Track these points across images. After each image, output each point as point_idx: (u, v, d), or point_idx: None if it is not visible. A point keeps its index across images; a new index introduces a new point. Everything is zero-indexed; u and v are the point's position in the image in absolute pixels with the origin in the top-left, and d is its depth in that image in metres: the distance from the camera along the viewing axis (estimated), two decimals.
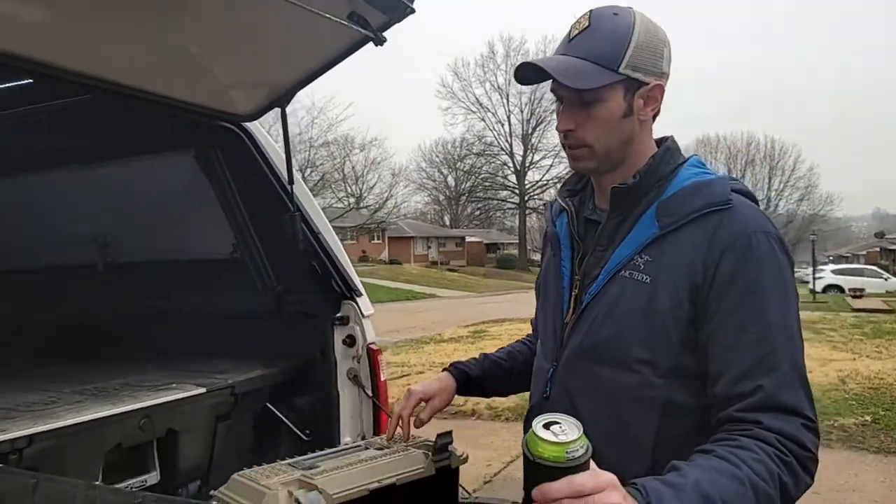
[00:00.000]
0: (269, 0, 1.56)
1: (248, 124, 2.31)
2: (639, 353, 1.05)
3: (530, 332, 1.52)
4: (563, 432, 0.77)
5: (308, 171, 28.86)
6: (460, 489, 1.59)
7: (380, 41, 1.90)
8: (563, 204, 1.24)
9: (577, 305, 1.15)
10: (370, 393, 2.20)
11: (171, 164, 2.54)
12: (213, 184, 2.42)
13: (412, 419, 1.33)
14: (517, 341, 1.53)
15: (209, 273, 2.57)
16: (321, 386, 2.21)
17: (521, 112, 41.91)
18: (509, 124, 42.30)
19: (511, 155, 42.91)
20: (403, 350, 9.65)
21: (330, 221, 2.45)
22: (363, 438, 1.76)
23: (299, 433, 2.11)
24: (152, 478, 1.75)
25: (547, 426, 0.78)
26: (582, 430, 0.78)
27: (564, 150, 1.18)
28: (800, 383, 0.98)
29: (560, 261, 1.22)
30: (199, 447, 1.87)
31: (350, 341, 2.23)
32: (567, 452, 0.76)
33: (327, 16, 1.73)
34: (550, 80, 1.12)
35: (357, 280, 2.32)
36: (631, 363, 1.06)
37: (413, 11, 1.88)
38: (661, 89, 1.13)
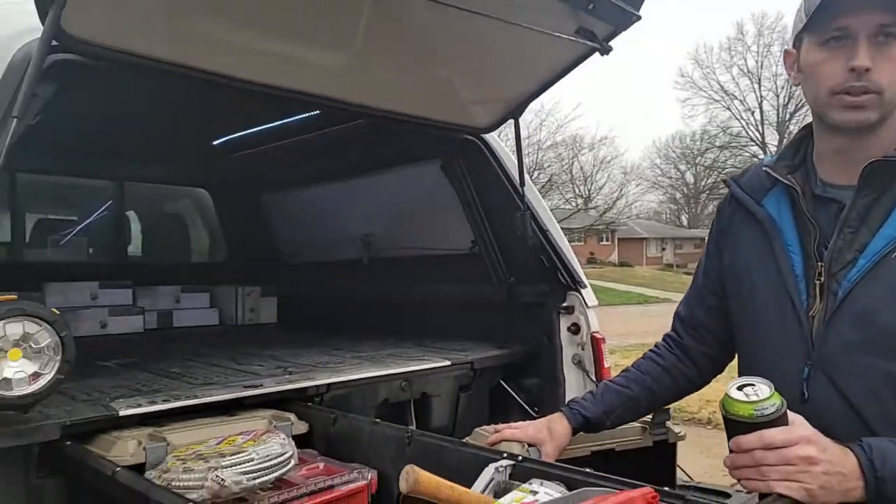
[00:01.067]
0: (506, 26, 1.79)
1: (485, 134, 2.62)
2: None
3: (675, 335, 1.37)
4: (754, 393, 0.88)
5: (536, 173, 29.16)
6: (679, 471, 1.68)
7: (605, 51, 1.99)
8: (786, 181, 1.13)
9: (829, 295, 1.04)
10: (594, 378, 2.35)
11: (421, 173, 2.96)
12: (455, 188, 2.77)
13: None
14: (642, 358, 1.41)
15: (451, 266, 2.93)
16: (548, 369, 2.42)
17: (776, 97, 36.24)
18: (761, 111, 36.91)
19: (763, 146, 37.69)
20: (633, 353, 9.41)
21: (557, 223, 2.65)
22: None
23: (529, 409, 2.35)
24: None
25: (740, 388, 0.89)
26: (773, 390, 0.87)
27: (833, 99, 1.06)
28: None
29: (784, 245, 1.12)
30: (445, 411, 2.20)
31: (575, 329, 2.41)
32: (756, 410, 0.86)
33: (557, 34, 1.91)
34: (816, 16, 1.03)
35: (581, 272, 2.48)
36: None
37: (639, 19, 1.92)
38: None
